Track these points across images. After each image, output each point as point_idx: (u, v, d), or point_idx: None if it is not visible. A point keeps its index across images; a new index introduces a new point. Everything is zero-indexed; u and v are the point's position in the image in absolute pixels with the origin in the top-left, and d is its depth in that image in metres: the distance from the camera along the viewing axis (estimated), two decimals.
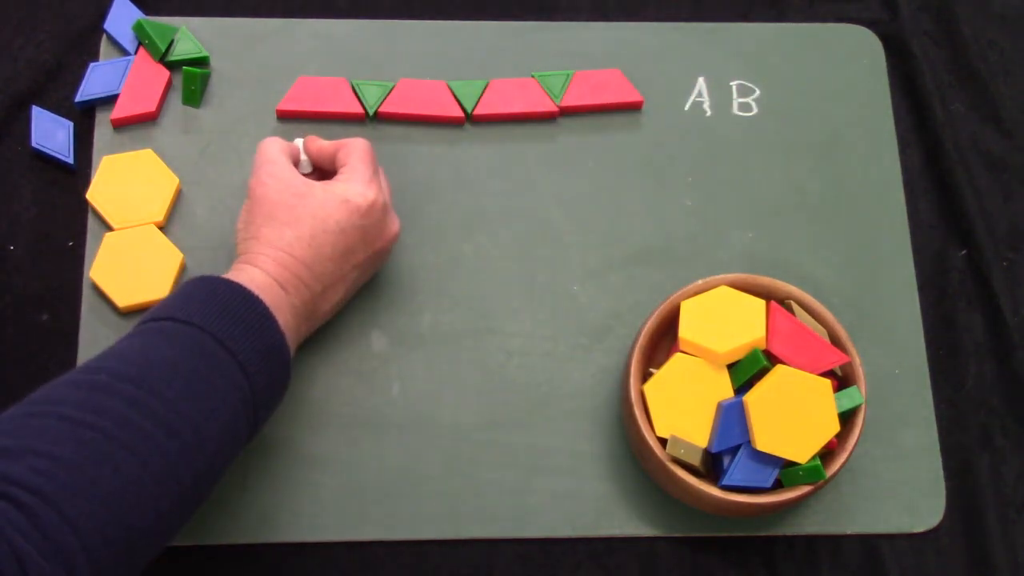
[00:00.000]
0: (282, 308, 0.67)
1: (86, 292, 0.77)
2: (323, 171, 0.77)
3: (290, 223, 0.70)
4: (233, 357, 0.62)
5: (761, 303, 0.72)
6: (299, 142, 0.77)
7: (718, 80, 0.87)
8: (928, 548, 0.76)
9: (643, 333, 0.73)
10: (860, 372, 0.71)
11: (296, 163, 0.76)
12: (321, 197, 0.70)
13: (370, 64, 0.85)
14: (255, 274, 0.68)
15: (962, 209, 0.84)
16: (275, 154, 0.73)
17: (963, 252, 0.84)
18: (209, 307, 0.64)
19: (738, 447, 0.69)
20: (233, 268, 0.69)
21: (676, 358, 0.71)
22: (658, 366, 0.72)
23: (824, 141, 0.86)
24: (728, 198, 0.83)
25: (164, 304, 0.65)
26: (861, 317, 0.80)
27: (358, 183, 0.71)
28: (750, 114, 0.86)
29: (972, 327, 0.82)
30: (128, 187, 0.79)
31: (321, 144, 0.76)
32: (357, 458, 0.74)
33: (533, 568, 0.74)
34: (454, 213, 0.81)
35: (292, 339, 0.68)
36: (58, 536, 0.51)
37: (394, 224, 0.74)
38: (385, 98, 0.83)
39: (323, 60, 0.85)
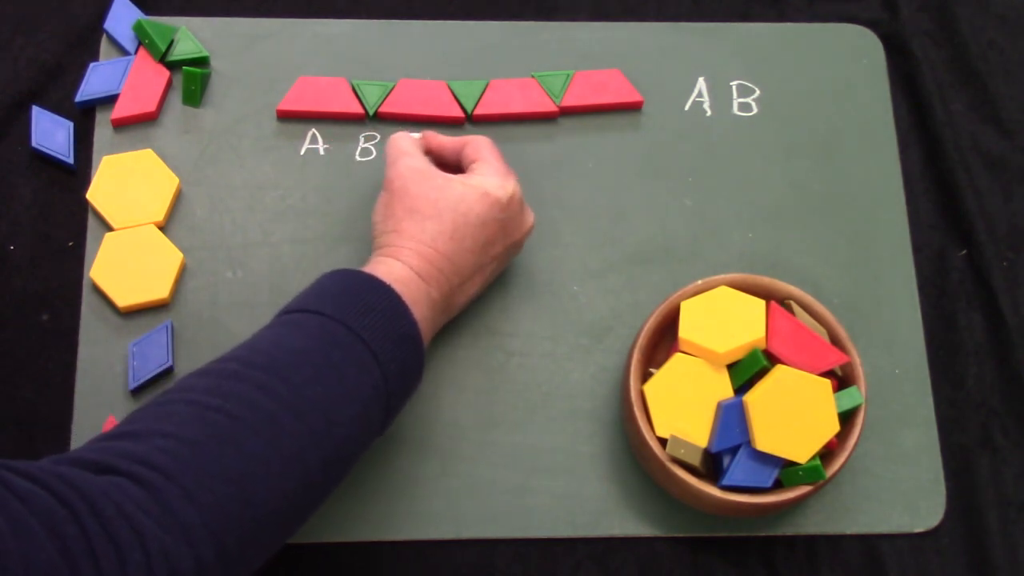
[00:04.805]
0: (420, 301, 0.67)
1: (86, 292, 0.77)
2: (443, 167, 0.75)
3: (432, 216, 0.70)
4: (365, 345, 0.62)
5: (761, 303, 0.71)
6: (415, 135, 0.77)
7: (718, 80, 0.87)
8: (928, 548, 0.76)
9: (643, 333, 0.73)
10: (860, 372, 0.71)
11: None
12: (461, 190, 0.70)
13: (370, 64, 0.85)
14: (395, 267, 0.68)
15: (962, 209, 0.84)
16: (409, 147, 0.73)
17: (963, 252, 0.84)
18: (341, 297, 0.64)
19: (738, 447, 0.69)
20: (373, 260, 0.70)
21: (676, 358, 0.71)
22: (658, 366, 0.72)
23: (824, 141, 0.86)
24: (728, 198, 0.83)
25: (298, 297, 0.66)
26: (861, 317, 0.80)
27: (496, 176, 0.72)
28: (750, 114, 0.86)
29: (972, 327, 0.82)
30: (128, 187, 0.79)
31: (442, 140, 0.76)
32: None
33: (533, 568, 0.74)
34: None
35: (428, 330, 0.68)
36: (179, 510, 0.52)
37: (529, 217, 0.75)
38: (385, 98, 0.83)
39: (323, 60, 0.85)
